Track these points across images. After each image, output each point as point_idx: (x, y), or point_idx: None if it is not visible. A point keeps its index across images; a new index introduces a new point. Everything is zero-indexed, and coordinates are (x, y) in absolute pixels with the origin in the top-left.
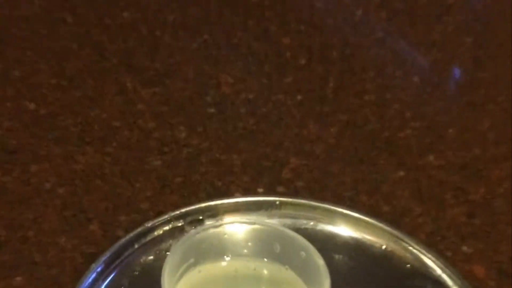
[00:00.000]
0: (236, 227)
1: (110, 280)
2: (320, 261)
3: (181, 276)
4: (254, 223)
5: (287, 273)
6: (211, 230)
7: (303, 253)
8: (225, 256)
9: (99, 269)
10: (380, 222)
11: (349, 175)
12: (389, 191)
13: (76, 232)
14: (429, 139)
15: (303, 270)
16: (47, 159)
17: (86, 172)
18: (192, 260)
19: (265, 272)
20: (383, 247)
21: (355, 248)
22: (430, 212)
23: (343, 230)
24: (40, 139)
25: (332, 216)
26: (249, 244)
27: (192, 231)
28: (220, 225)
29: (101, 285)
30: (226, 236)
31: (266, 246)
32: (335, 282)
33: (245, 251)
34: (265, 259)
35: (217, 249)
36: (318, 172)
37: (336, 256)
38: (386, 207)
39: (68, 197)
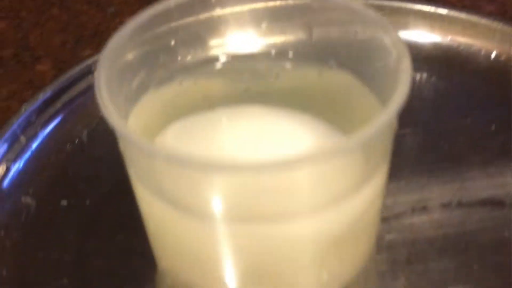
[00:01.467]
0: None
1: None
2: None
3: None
4: None
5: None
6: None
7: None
8: (220, 55)
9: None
10: (479, 15)
11: None
12: None
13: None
14: None
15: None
16: None
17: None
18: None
19: (304, 80)
20: (493, 55)
21: (446, 59)
22: None
23: (419, 34)
24: None
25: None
26: (263, 25)
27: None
28: None
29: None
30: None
31: (297, 29)
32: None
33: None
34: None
35: (202, 41)
36: None
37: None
38: None
39: (9, 32)
